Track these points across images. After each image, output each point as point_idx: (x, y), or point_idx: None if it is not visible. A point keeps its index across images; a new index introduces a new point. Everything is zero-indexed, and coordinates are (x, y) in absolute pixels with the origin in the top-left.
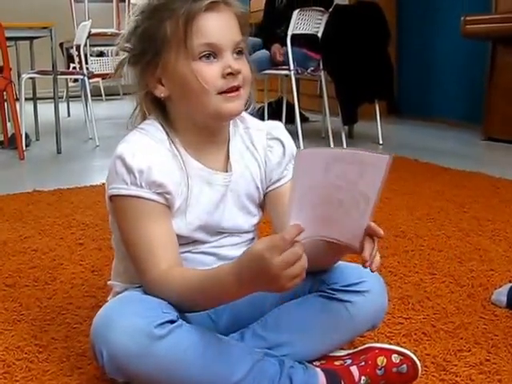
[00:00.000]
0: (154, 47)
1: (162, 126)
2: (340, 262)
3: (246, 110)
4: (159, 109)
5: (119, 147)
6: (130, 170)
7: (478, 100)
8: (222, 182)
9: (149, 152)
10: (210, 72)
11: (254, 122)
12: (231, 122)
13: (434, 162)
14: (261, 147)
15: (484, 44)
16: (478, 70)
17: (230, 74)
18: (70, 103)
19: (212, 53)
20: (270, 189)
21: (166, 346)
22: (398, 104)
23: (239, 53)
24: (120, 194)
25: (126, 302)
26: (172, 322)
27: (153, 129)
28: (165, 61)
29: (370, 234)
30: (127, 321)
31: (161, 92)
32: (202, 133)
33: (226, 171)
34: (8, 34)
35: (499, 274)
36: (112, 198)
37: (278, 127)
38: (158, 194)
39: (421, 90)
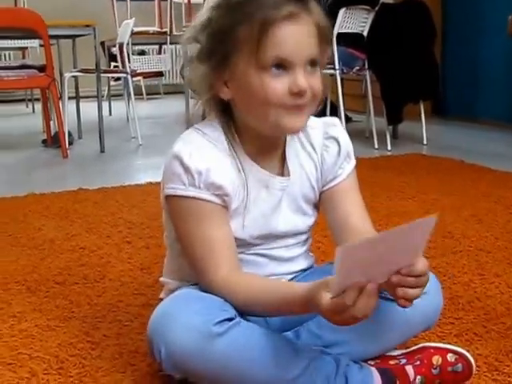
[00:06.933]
0: (224, 49)
1: (222, 126)
2: None
3: None
4: (221, 109)
5: (176, 146)
6: (187, 171)
7: None
8: (279, 187)
9: (206, 153)
10: (278, 87)
11: (310, 119)
12: None
13: (480, 163)
14: (318, 147)
15: None
16: None
17: (296, 93)
18: (112, 102)
19: (282, 65)
20: (324, 188)
21: (224, 344)
22: (442, 104)
23: (313, 65)
24: (177, 194)
25: (185, 299)
26: (230, 319)
27: (210, 129)
28: (234, 65)
29: None
30: (186, 318)
31: (225, 94)
32: (262, 136)
33: (282, 174)
34: (51, 33)
35: None
36: (168, 197)
37: (334, 125)
38: (217, 195)
39: (466, 91)
